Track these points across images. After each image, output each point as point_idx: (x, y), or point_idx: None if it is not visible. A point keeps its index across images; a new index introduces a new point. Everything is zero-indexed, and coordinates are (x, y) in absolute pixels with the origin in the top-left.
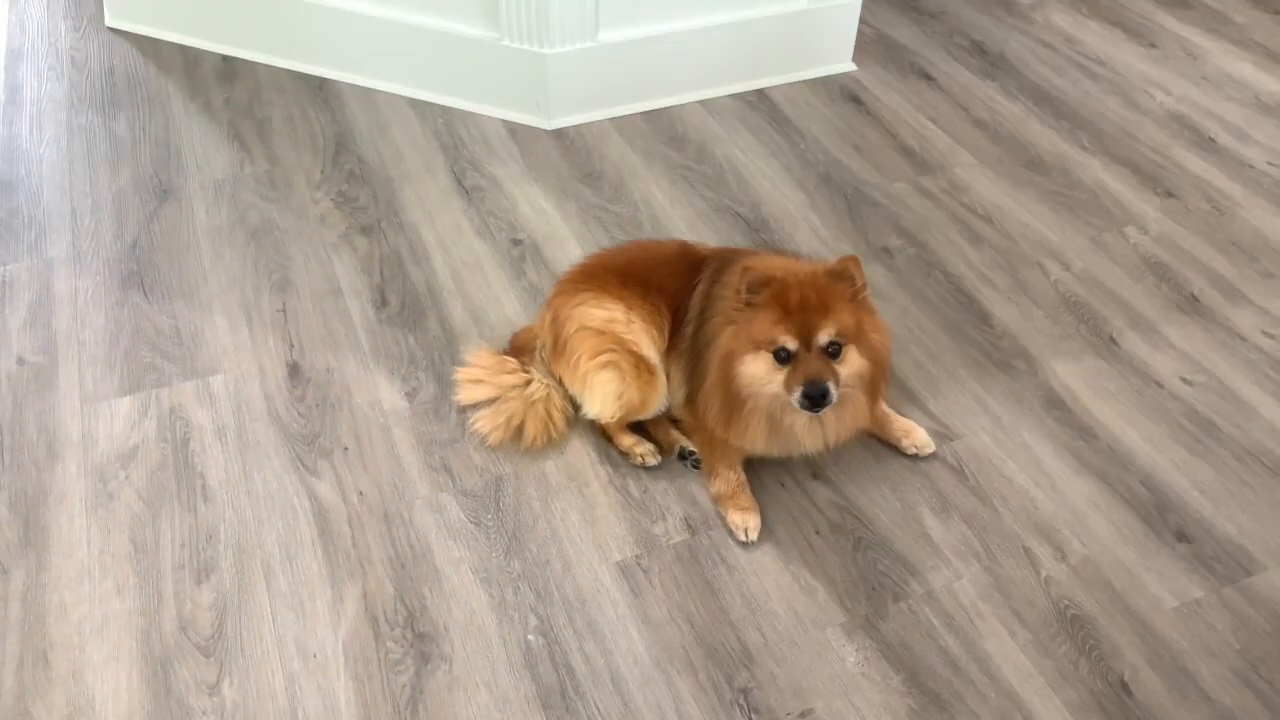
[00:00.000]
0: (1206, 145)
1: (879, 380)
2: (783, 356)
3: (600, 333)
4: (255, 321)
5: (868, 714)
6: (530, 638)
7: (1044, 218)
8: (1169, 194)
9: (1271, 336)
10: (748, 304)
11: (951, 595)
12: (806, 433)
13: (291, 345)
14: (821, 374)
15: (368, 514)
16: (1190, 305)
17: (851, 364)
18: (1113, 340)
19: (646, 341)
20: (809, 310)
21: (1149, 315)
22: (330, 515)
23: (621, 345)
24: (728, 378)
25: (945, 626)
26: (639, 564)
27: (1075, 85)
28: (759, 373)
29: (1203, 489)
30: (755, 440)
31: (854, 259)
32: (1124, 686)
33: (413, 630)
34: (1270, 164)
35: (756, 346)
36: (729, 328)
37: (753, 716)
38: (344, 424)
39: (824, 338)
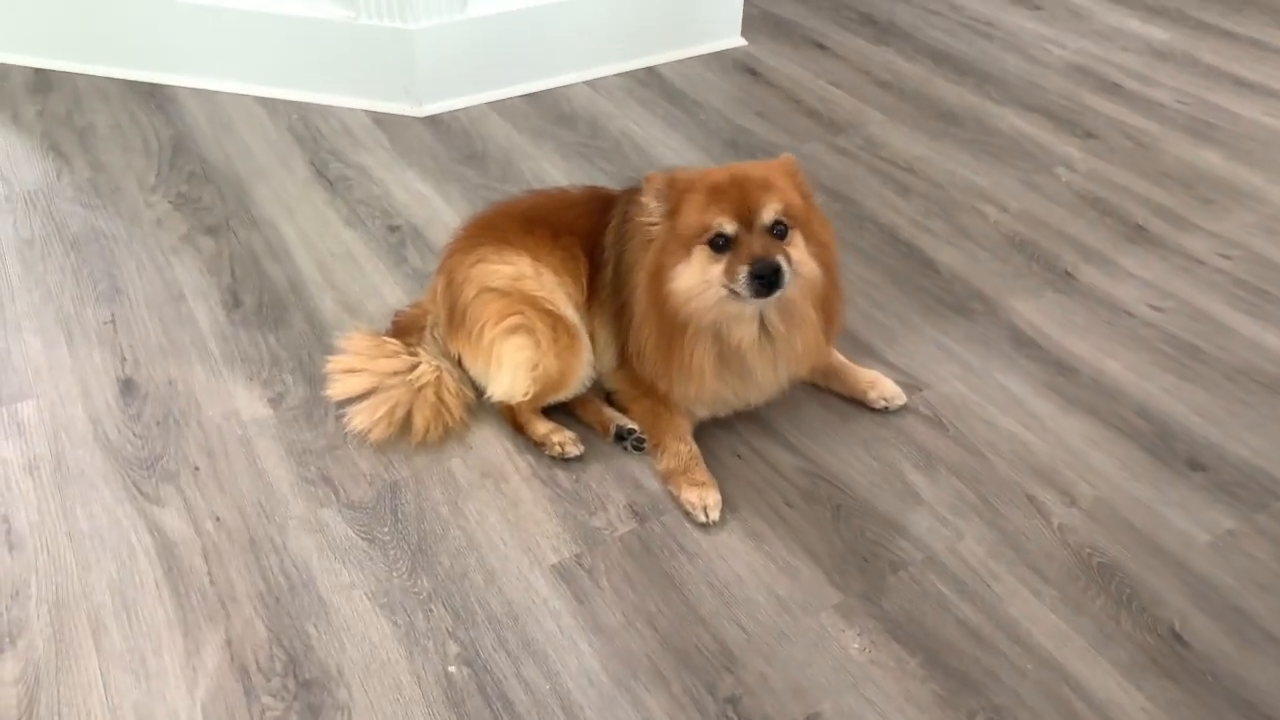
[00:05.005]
0: (1113, 89)
1: (832, 294)
2: (720, 244)
3: (505, 293)
4: (77, 337)
5: (886, 708)
6: (451, 669)
7: (968, 165)
8: (1089, 134)
9: (1228, 257)
10: (665, 211)
11: (957, 557)
12: (759, 355)
13: (123, 359)
14: (769, 250)
15: (227, 543)
16: (1139, 234)
17: (800, 252)
18: (1069, 274)
19: (562, 296)
20: (747, 187)
21: (1100, 247)
22: (179, 549)
23: (533, 305)
24: (659, 300)
25: (957, 593)
26: (580, 564)
27: (971, 45)
28: (694, 278)
29: (1202, 413)
30: (703, 373)
31: (791, 158)
32: (1176, 636)
33: (295, 678)
34: (1180, 102)
35: (687, 246)
36: (650, 245)
37: None
38: (192, 441)
39: (769, 215)
